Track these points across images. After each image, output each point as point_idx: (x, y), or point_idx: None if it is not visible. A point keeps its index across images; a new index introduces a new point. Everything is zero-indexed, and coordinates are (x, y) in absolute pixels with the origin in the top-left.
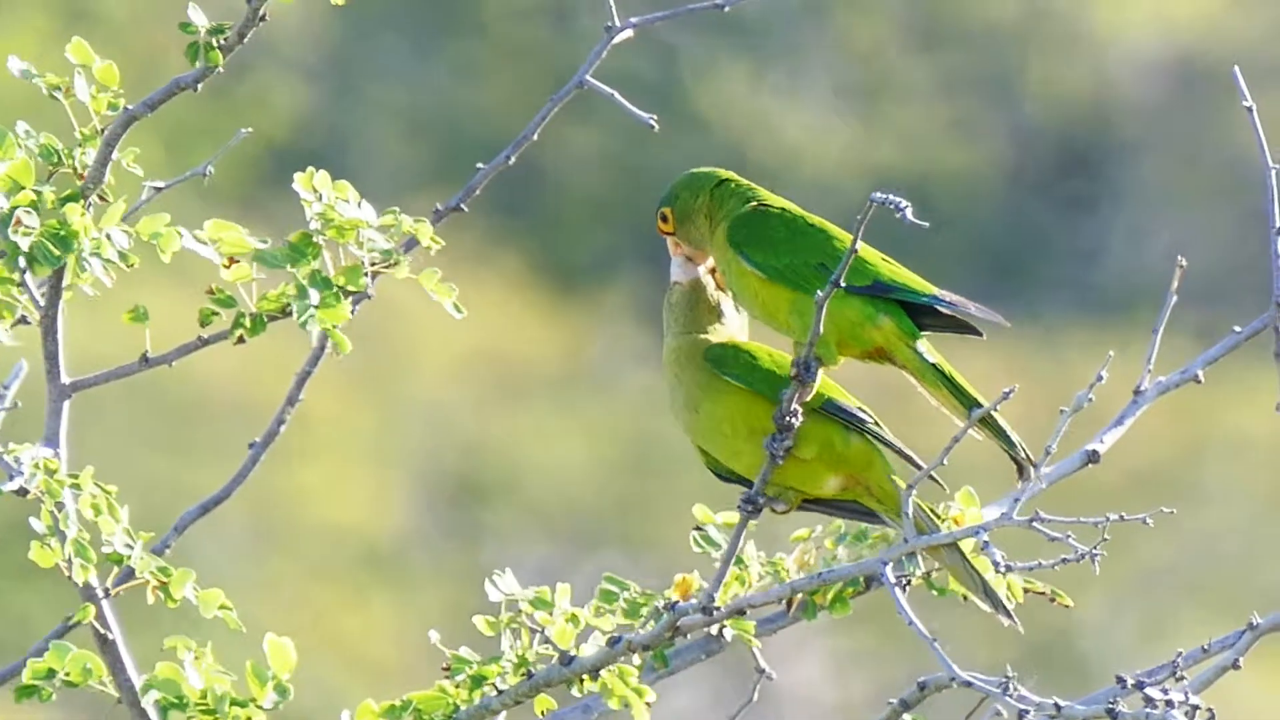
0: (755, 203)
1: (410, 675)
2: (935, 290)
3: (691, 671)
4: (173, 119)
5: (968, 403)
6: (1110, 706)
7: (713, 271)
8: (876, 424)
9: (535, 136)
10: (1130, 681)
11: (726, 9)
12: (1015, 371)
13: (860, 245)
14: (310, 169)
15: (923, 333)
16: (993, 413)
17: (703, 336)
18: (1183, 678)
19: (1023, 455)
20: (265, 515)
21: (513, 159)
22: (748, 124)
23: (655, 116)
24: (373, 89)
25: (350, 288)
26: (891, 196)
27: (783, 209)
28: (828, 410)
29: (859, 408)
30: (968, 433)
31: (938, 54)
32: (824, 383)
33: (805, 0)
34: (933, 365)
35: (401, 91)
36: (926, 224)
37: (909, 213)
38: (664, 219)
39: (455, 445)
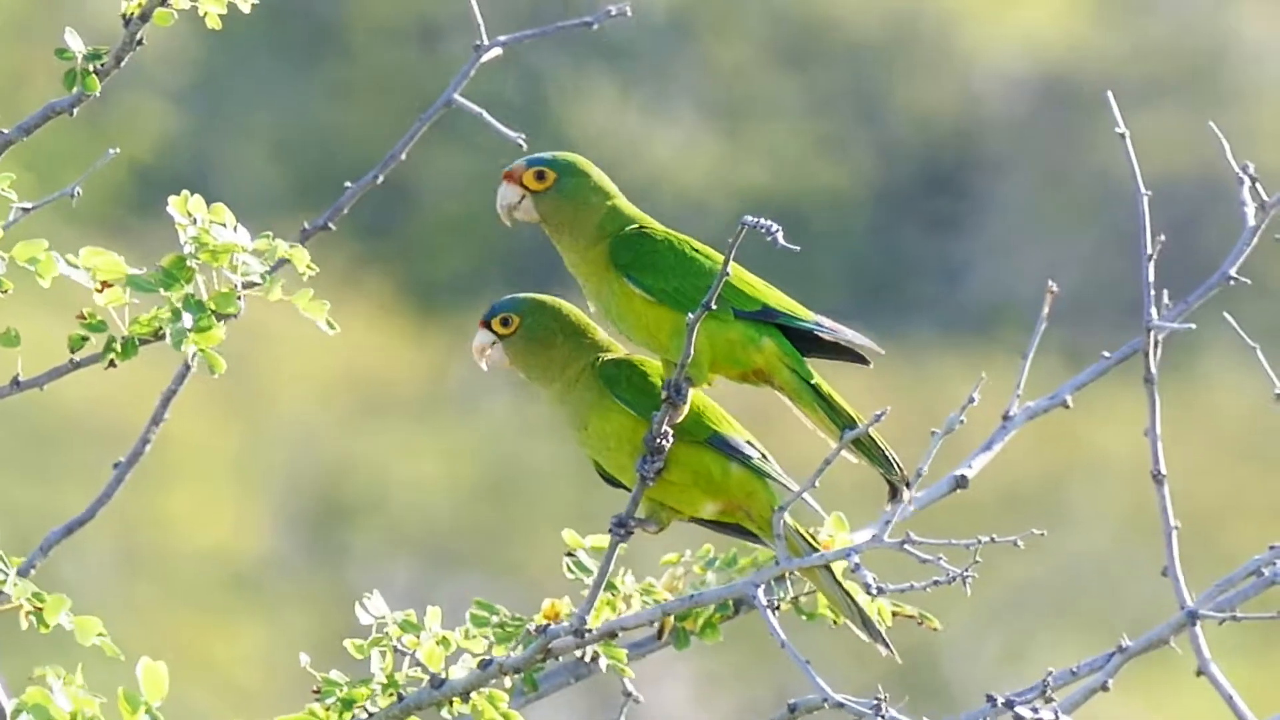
0: (638, 225)
1: (277, 698)
2: (815, 317)
3: (558, 692)
4: (38, 143)
5: (843, 424)
6: None
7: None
8: (764, 457)
9: (404, 156)
10: (1000, 701)
11: (595, 27)
12: (882, 390)
13: (745, 272)
14: (185, 193)
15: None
16: (869, 434)
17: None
18: (1052, 699)
19: (898, 476)
20: (130, 538)
21: (381, 178)
22: (615, 144)
23: (524, 135)
24: (239, 112)
25: (224, 311)
26: (763, 220)
27: (666, 234)
28: (714, 444)
29: (748, 441)
30: (841, 454)
31: (804, 73)
32: (715, 414)
33: (672, 20)
34: (811, 386)
35: (268, 114)
36: (798, 248)
37: (780, 236)
38: (540, 177)
39: (319, 467)
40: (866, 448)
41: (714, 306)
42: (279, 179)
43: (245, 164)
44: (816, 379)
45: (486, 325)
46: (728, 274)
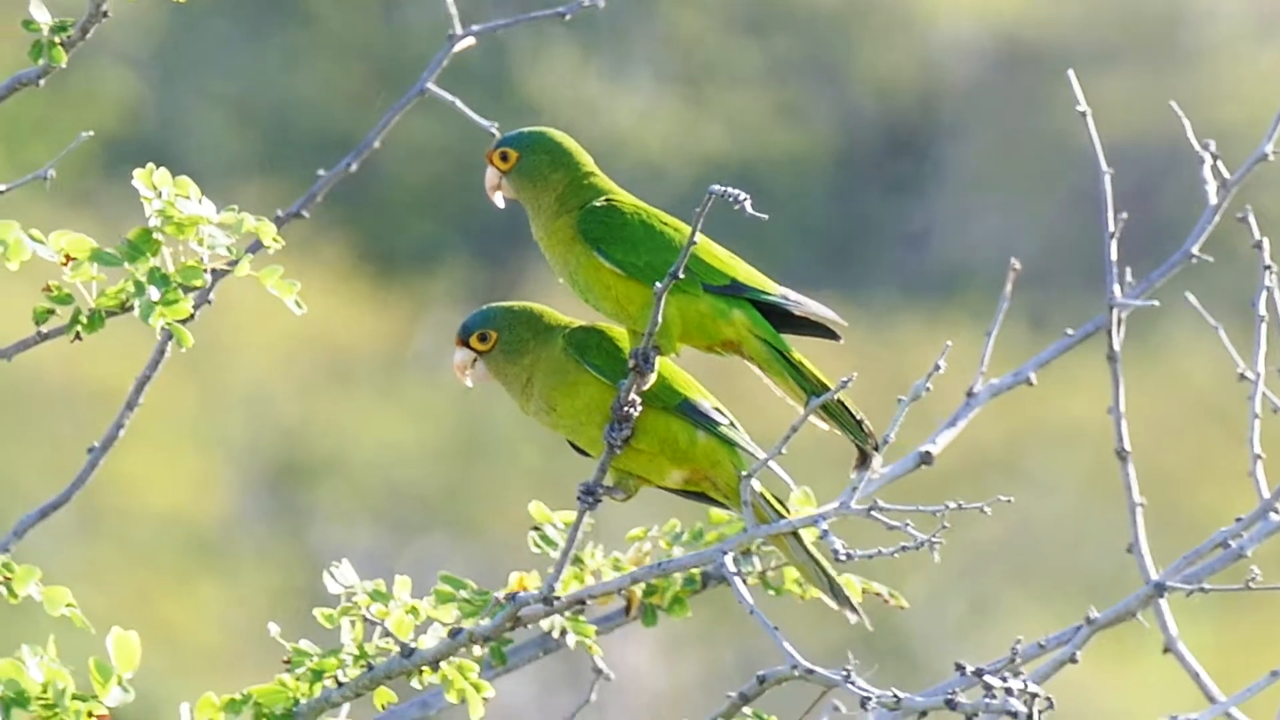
0: (606, 197)
1: (236, 661)
2: (782, 290)
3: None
4: (5, 113)
5: (812, 391)
6: (949, 697)
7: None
8: (732, 424)
9: (377, 144)
10: (970, 670)
11: (568, 18)
12: (845, 354)
13: (714, 246)
14: (150, 166)
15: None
16: (838, 400)
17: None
18: (1020, 673)
19: (868, 442)
20: (89, 501)
21: (355, 166)
22: (575, 110)
23: (496, 125)
24: (202, 79)
25: (190, 283)
26: (730, 189)
27: (635, 207)
28: (683, 410)
29: (715, 408)
30: (811, 422)
31: (763, 39)
32: (684, 381)
33: None
34: (782, 355)
35: (231, 81)
36: (766, 216)
37: (748, 204)
38: (504, 158)
39: (280, 430)
40: (835, 414)
41: (681, 276)
42: (242, 144)
43: (208, 130)
44: (787, 348)
45: (464, 343)
46: (695, 242)
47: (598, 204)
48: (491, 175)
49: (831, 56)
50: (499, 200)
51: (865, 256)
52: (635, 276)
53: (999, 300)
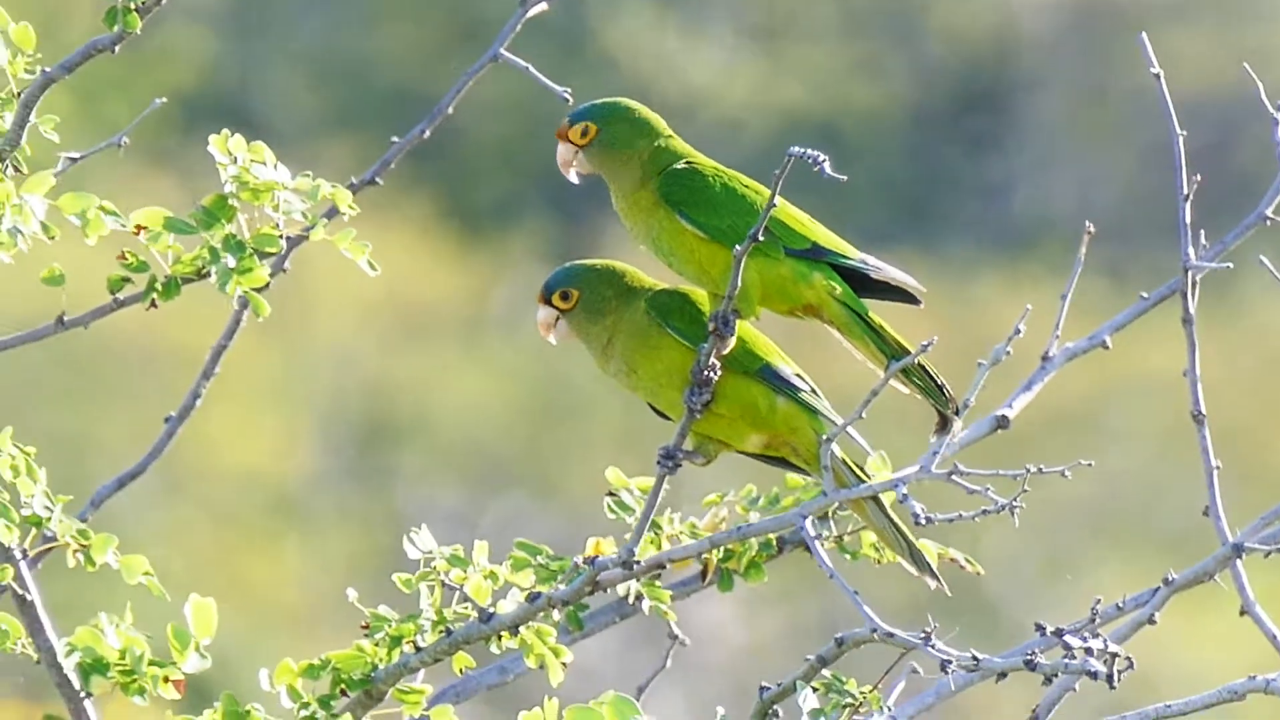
0: (686, 160)
1: (318, 621)
2: (861, 255)
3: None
4: (82, 71)
5: (892, 355)
6: (1029, 658)
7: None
8: (813, 391)
9: (450, 110)
10: (1050, 630)
11: None
12: (921, 311)
13: (794, 209)
14: (225, 131)
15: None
16: (919, 363)
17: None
18: (1098, 635)
19: (949, 405)
20: (172, 462)
21: (428, 133)
22: (654, 64)
23: (569, 90)
24: (280, 36)
25: (266, 250)
26: (809, 151)
27: (716, 170)
28: (763, 375)
29: (796, 374)
30: (890, 386)
31: None
32: (764, 345)
33: None
34: (863, 319)
35: (309, 38)
36: (844, 177)
37: (827, 166)
38: (584, 133)
39: (363, 389)
40: (915, 377)
41: (761, 239)
42: (320, 102)
43: (286, 87)
44: (866, 311)
45: (547, 301)
46: (774, 204)
47: (679, 167)
48: (565, 151)
49: (909, 10)
50: (573, 176)
51: (943, 211)
52: (717, 239)
53: (1075, 258)
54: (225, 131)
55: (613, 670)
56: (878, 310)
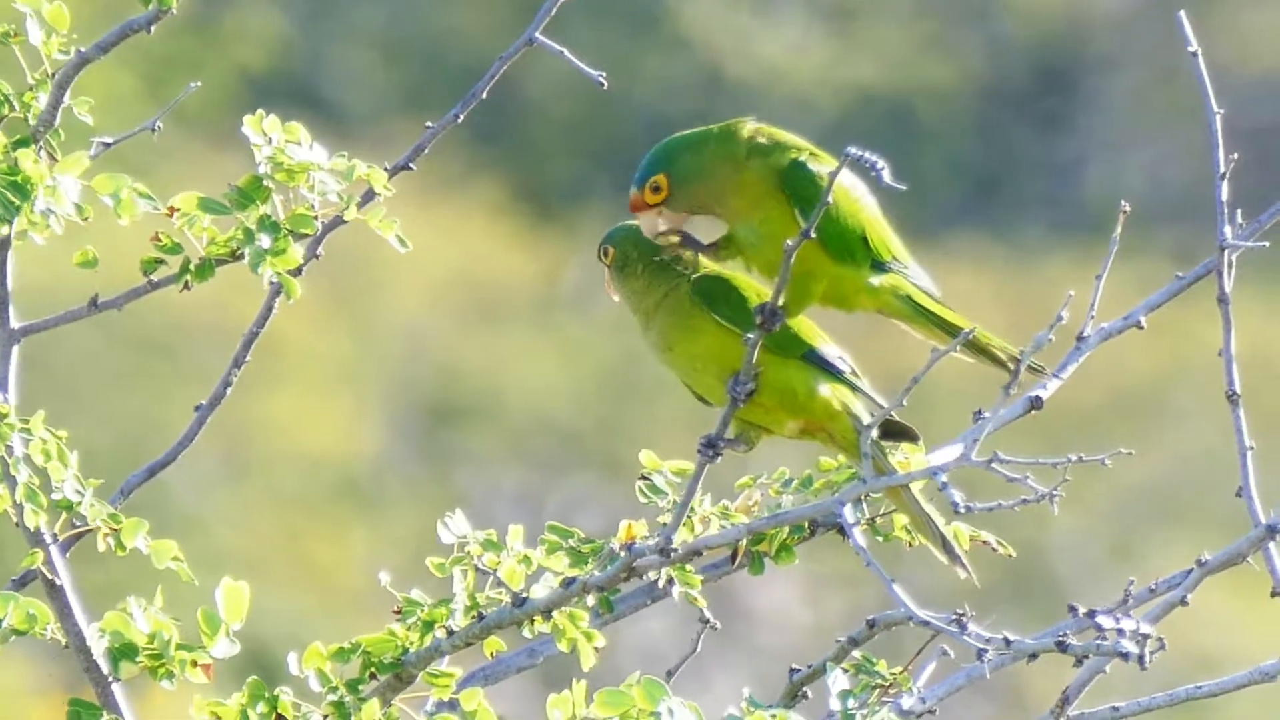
0: (810, 151)
1: (386, 602)
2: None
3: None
4: (150, 48)
5: (955, 334)
6: (1060, 639)
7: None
8: (854, 373)
9: (484, 95)
10: (1082, 612)
11: None
12: (993, 288)
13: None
14: (260, 112)
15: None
16: (977, 337)
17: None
18: (1131, 615)
19: (1011, 366)
20: (237, 443)
21: (461, 117)
22: (726, 43)
23: (604, 75)
24: (349, 14)
25: (301, 231)
26: (867, 154)
27: (813, 152)
28: (808, 359)
29: (839, 356)
30: (954, 355)
31: None
32: (808, 329)
33: None
34: (924, 311)
35: (378, 15)
36: (904, 186)
37: (885, 174)
38: (656, 190)
39: (431, 370)
40: (981, 349)
41: (813, 235)
42: (391, 82)
43: (357, 68)
44: (931, 304)
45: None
46: (828, 203)
47: (805, 161)
48: (648, 221)
49: None
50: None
51: (1014, 190)
52: (822, 241)
53: (1141, 237)
54: (260, 112)
55: (669, 642)
56: (942, 275)
